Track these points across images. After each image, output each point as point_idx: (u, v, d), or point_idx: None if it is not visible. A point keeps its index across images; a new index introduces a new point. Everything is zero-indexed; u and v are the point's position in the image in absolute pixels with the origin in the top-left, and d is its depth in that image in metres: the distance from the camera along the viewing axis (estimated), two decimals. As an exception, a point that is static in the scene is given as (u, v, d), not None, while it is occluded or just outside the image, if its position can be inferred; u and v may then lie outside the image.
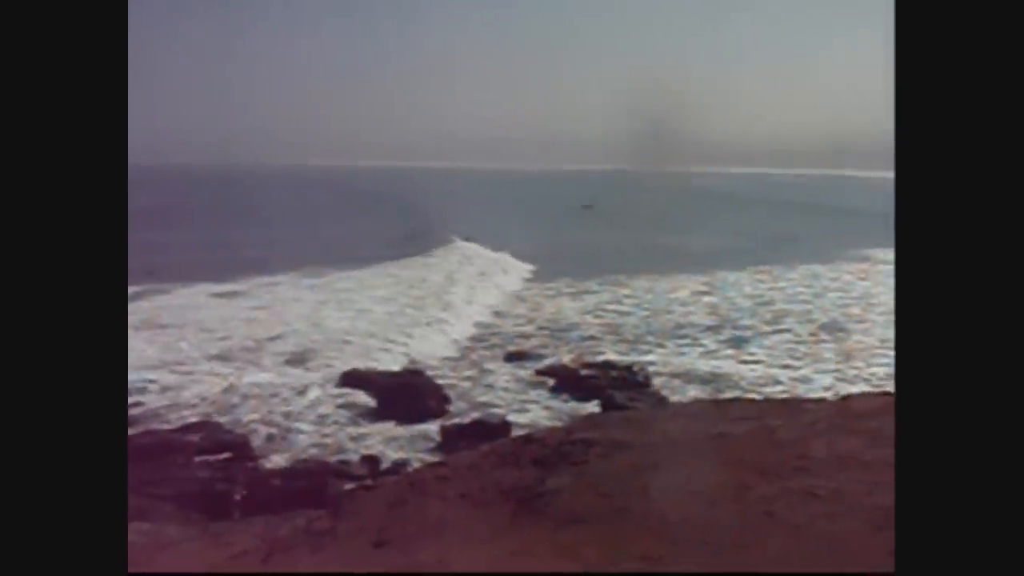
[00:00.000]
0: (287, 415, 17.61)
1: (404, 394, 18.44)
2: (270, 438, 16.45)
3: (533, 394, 19.56)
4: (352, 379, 19.74)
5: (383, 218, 71.97)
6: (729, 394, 19.05)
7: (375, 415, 17.88)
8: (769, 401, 12.22)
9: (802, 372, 21.59)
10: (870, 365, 21.98)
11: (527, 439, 7.98)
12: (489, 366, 21.89)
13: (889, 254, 48.02)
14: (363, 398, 18.61)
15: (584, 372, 20.51)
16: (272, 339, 24.01)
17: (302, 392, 19.03)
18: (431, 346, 23.43)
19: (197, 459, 14.68)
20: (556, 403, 18.89)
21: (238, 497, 13.07)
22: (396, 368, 20.89)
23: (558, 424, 13.75)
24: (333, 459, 15.40)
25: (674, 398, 18.68)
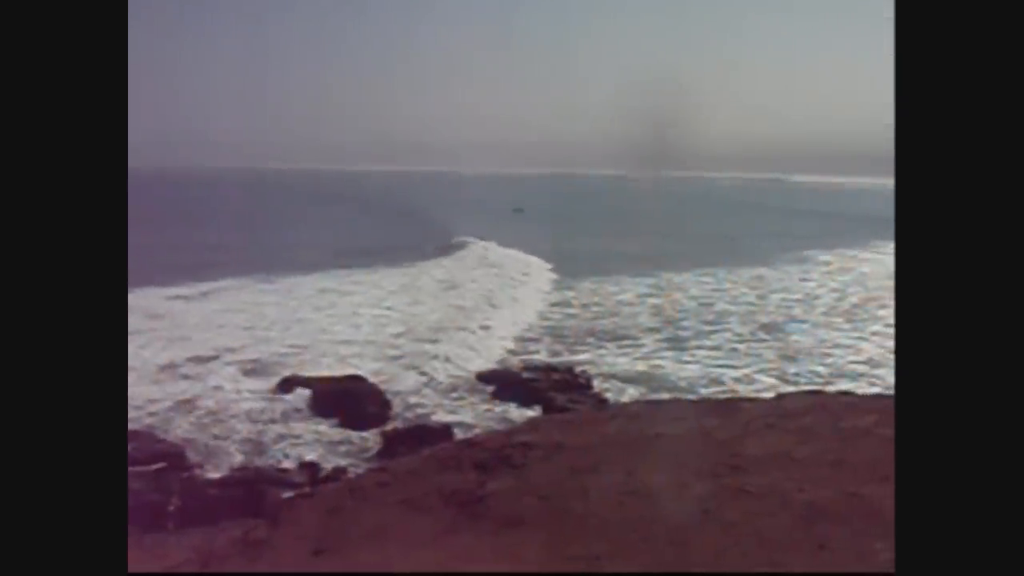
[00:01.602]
0: (224, 423, 17.26)
1: (344, 400, 18.24)
2: (206, 447, 16.10)
3: (474, 398, 19.53)
4: (291, 385, 19.44)
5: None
6: (668, 395, 19.36)
7: (315, 421, 17.64)
8: (706, 401, 12.46)
9: (743, 372, 21.99)
10: (812, 365, 22.51)
11: (468, 443, 7.99)
12: (428, 368, 21.77)
13: (826, 255, 49.44)
14: (303, 404, 18.35)
15: (526, 375, 20.57)
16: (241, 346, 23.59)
17: (239, 399, 18.67)
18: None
19: (129, 469, 14.29)
20: (497, 407, 18.91)
21: (172, 508, 12.76)
22: (338, 374, 20.64)
23: (499, 428, 13.79)
24: (271, 467, 15.14)
25: (614, 399, 18.89)
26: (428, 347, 23.45)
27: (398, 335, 25.25)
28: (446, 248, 48.49)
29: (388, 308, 29.73)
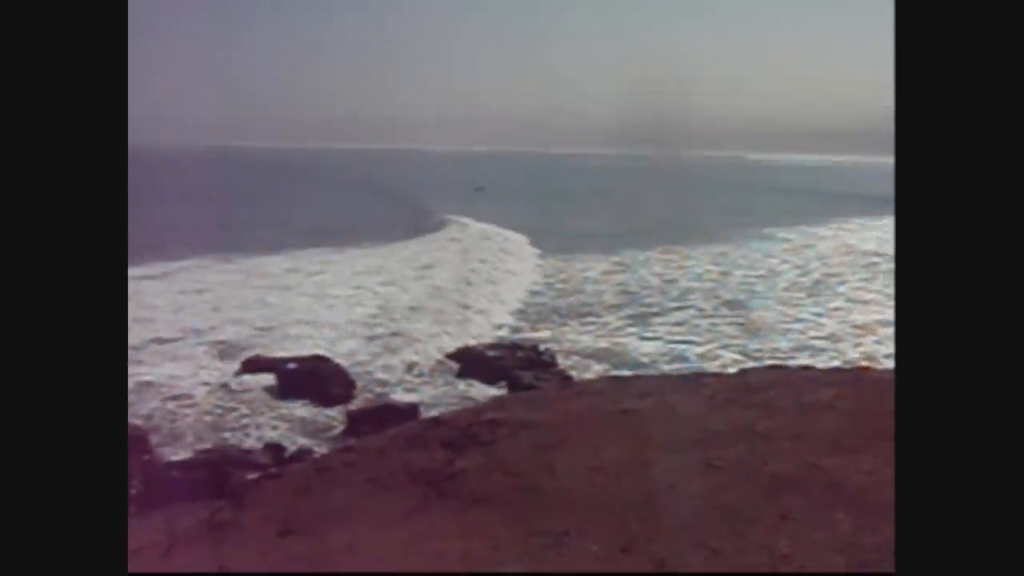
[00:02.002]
0: (188, 405, 17.07)
1: (309, 380, 18.12)
2: (170, 429, 15.92)
3: (440, 377, 19.53)
4: (255, 366, 19.26)
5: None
6: (631, 371, 19.53)
7: (279, 402, 17.51)
8: (670, 376, 12.60)
9: (706, 348, 22.23)
10: (773, 340, 22.83)
11: (435, 422, 7.99)
12: (395, 348, 21.70)
13: (790, 232, 50.06)
14: (267, 385, 18.21)
15: (491, 353, 20.60)
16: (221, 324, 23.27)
17: (202, 381, 18.47)
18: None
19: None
20: (462, 385, 18.93)
21: (134, 491, 12.61)
22: (304, 353, 20.47)
23: (465, 406, 13.82)
24: (235, 449, 15.02)
25: (579, 376, 19.01)
26: (397, 326, 23.36)
27: (368, 316, 25.08)
28: (421, 227, 48.20)
29: (358, 288, 29.49)
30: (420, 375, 19.69)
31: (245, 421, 16.56)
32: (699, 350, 22.01)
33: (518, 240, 43.04)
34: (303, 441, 15.54)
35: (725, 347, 22.22)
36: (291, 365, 18.95)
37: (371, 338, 22.49)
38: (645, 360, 21.09)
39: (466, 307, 26.60)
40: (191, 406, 16.99)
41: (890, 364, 18.38)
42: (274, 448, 14.98)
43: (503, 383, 18.60)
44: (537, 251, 39.09)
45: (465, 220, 51.73)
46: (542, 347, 21.44)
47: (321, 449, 14.36)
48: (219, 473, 13.30)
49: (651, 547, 5.04)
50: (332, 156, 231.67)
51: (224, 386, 18.20)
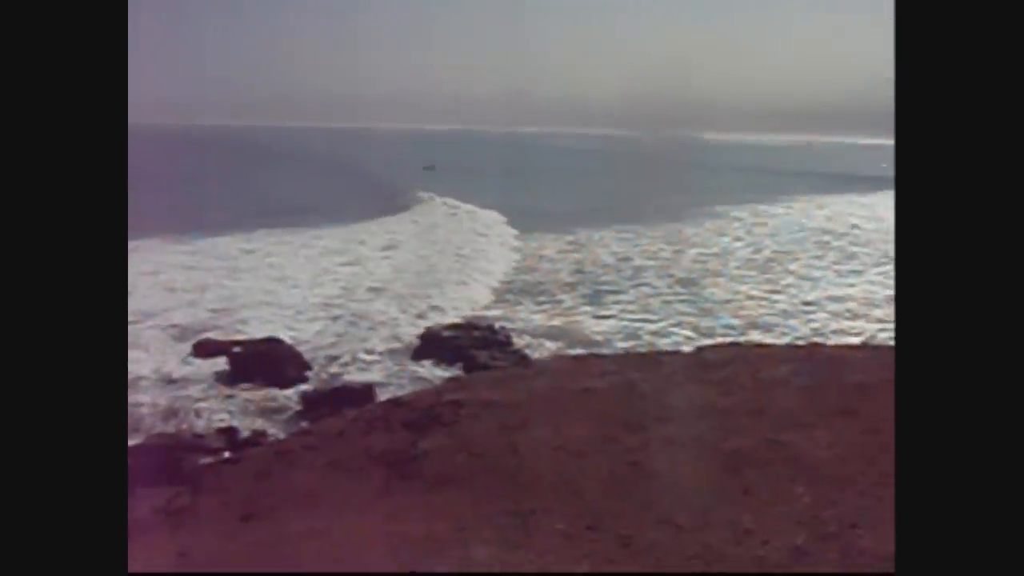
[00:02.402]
0: (137, 389, 16.68)
1: (261, 363, 17.86)
2: (118, 414, 15.54)
3: (396, 357, 19.40)
4: (206, 349, 18.92)
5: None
6: (587, 350, 19.64)
7: (232, 385, 17.24)
8: (629, 355, 12.68)
9: (659, 325, 22.44)
10: (726, 317, 23.11)
11: (396, 403, 7.93)
12: (351, 329, 21.49)
13: (742, 211, 50.67)
14: (219, 368, 17.90)
15: (446, 333, 20.52)
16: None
17: (153, 364, 18.07)
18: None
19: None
20: (419, 365, 18.84)
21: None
22: (259, 336, 20.16)
23: (422, 387, 13.75)
24: (186, 433, 14.74)
25: (535, 355, 19.05)
26: (356, 307, 23.14)
27: (328, 297, 24.78)
28: (382, 207, 47.65)
29: (321, 268, 29.07)
30: (375, 355, 19.54)
31: (197, 405, 16.26)
32: (652, 327, 22.20)
33: (487, 219, 42.79)
34: (257, 424, 15.32)
35: (678, 324, 22.45)
36: (241, 348, 18.66)
37: (329, 319, 22.26)
38: (599, 339, 21.21)
39: (426, 287, 26.43)
40: (142, 391, 16.62)
41: (839, 340, 18.81)
42: (228, 432, 14.73)
43: (459, 363, 18.55)
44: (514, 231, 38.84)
45: (428, 198, 51.35)
46: (497, 326, 21.43)
47: (276, 432, 14.18)
48: (172, 458, 13.03)
49: (616, 524, 5.08)
50: (287, 135, 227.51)
51: (175, 369, 17.84)
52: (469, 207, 48.53)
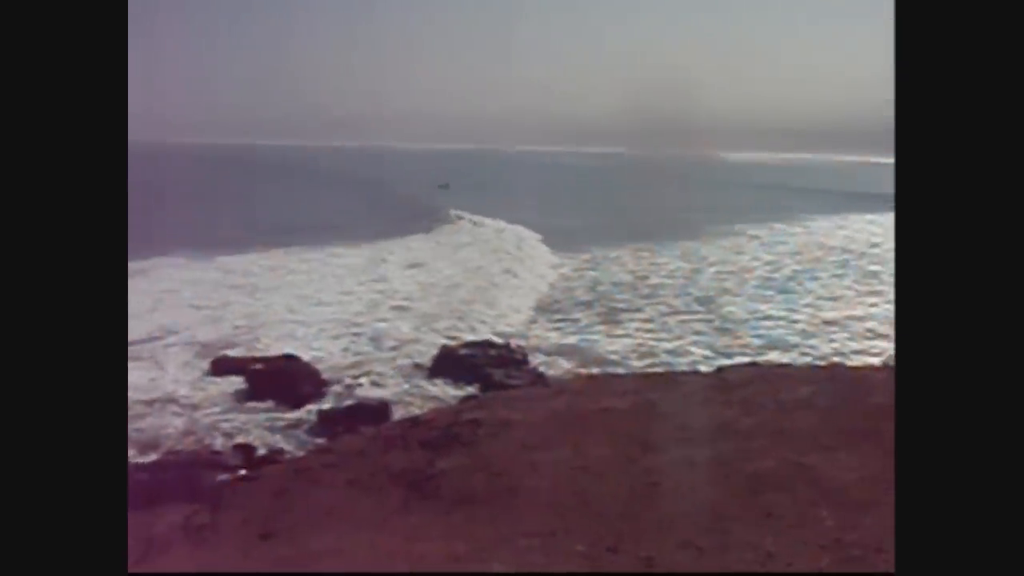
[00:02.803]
0: (155, 406, 16.77)
1: (278, 380, 17.89)
2: (138, 431, 15.61)
3: (413, 375, 19.39)
4: (224, 366, 18.99)
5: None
6: (608, 369, 19.57)
7: (249, 402, 17.28)
8: (648, 375, 12.63)
9: (676, 344, 22.29)
10: (745, 336, 22.94)
11: (414, 421, 7.94)
12: (360, 348, 21.52)
13: (759, 229, 50.47)
14: (237, 385, 17.95)
15: (463, 352, 20.50)
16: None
17: (170, 382, 18.17)
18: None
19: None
20: (435, 384, 18.81)
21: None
22: (277, 353, 20.22)
23: (439, 405, 13.75)
24: (205, 450, 14.77)
25: (551, 374, 18.99)
26: (380, 326, 23.19)
27: (351, 315, 24.85)
28: (409, 225, 47.78)
29: (346, 287, 29.12)
30: (391, 373, 19.54)
31: (214, 422, 16.30)
32: (668, 346, 22.06)
33: (517, 239, 42.78)
34: (274, 441, 15.33)
35: (695, 343, 22.30)
36: (259, 365, 18.72)
37: (350, 337, 22.31)
38: (615, 357, 21.11)
39: (451, 306, 26.43)
40: (160, 408, 16.70)
41: (859, 360, 18.64)
42: (245, 449, 14.74)
43: (476, 382, 18.52)
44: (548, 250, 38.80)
45: (453, 215, 51.51)
46: (514, 345, 21.38)
47: (293, 450, 14.18)
48: (189, 475, 13.06)
49: (638, 546, 5.04)
50: (299, 153, 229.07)
51: (193, 387, 17.92)
52: (498, 223, 48.47)
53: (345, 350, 21.21)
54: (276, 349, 20.54)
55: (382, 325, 23.50)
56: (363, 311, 25.47)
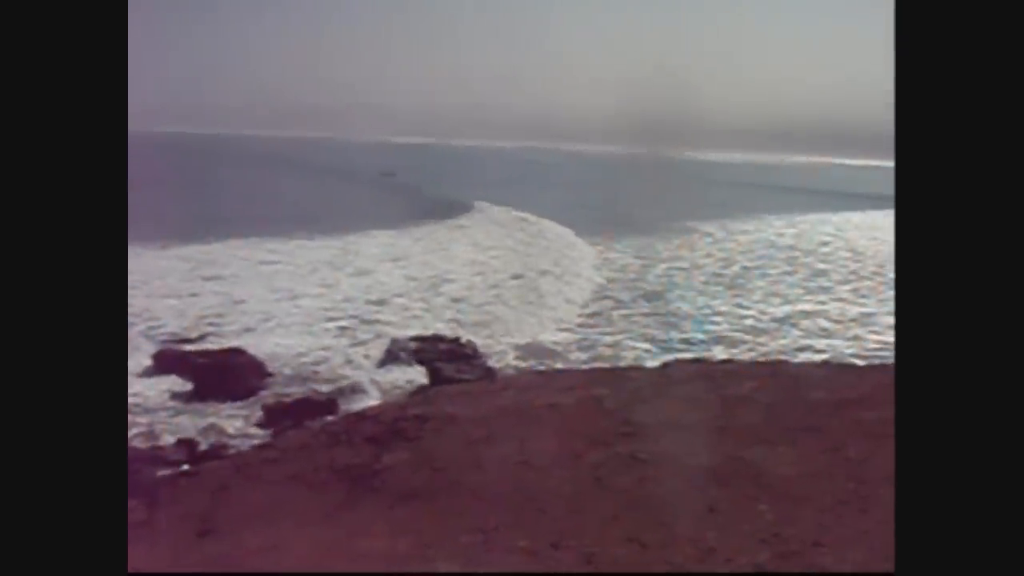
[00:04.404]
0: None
1: (224, 373, 17.59)
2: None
3: (362, 369, 19.23)
4: (167, 359, 18.60)
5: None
6: (539, 359, 19.70)
7: (191, 397, 16.96)
8: (595, 370, 12.68)
9: (617, 338, 22.43)
10: (692, 332, 23.20)
11: (360, 416, 7.84)
12: (320, 340, 21.29)
13: (712, 226, 51.06)
14: (177, 380, 17.59)
15: (413, 345, 20.40)
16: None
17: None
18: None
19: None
20: (384, 377, 18.69)
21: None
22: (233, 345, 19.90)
23: (388, 399, 13.66)
24: (145, 446, 14.44)
25: (501, 368, 19.02)
26: (328, 323, 22.95)
27: (306, 307, 24.53)
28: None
29: (317, 282, 28.71)
30: (341, 367, 19.35)
31: (154, 416, 15.96)
32: (610, 340, 22.20)
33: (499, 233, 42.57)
34: (216, 437, 15.05)
35: (641, 337, 22.49)
36: (202, 358, 18.39)
37: (301, 328, 22.09)
38: (558, 348, 21.20)
39: (401, 299, 26.24)
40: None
41: (804, 357, 19.02)
42: (187, 444, 14.46)
43: (425, 375, 18.46)
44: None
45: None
46: (464, 339, 21.34)
47: (237, 445, 13.95)
48: (128, 471, 12.76)
49: (580, 542, 5.05)
50: (258, 143, 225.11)
51: (137, 380, 17.51)
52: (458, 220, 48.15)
53: (299, 343, 21.00)
54: (233, 342, 20.25)
55: (337, 316, 23.34)
56: (321, 303, 25.24)
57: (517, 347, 21.42)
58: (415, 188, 75.21)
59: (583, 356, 20.32)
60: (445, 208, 52.08)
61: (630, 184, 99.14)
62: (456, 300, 26.15)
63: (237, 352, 19.20)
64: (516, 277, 30.20)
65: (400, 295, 26.55)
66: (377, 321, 23.13)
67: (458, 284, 28.75)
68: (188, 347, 19.86)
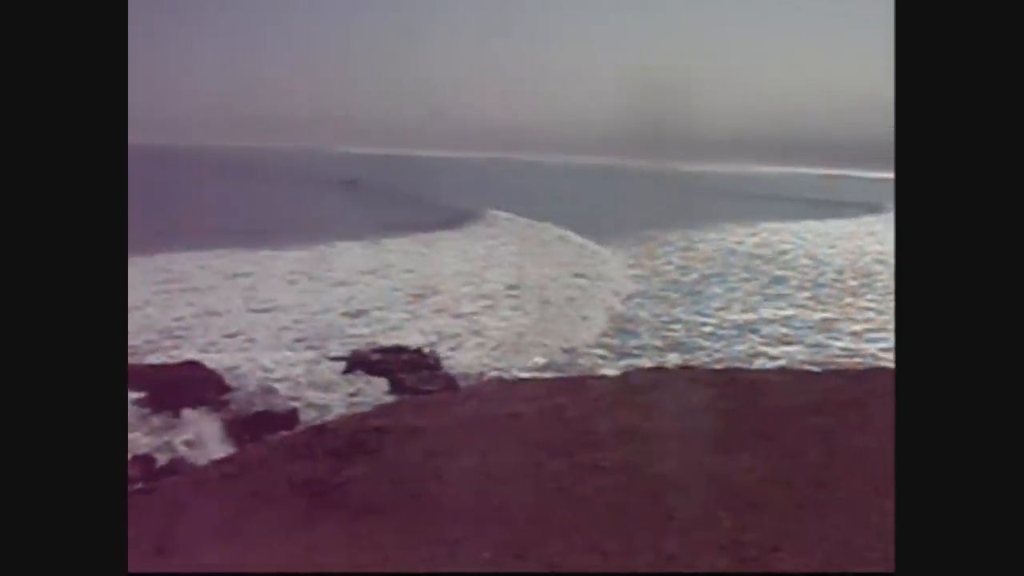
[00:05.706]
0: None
1: (181, 387, 17.28)
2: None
3: (323, 380, 19.05)
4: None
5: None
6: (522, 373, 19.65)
7: (148, 411, 16.63)
8: (556, 379, 12.73)
9: (577, 344, 22.45)
10: (649, 338, 23.31)
11: (320, 429, 7.77)
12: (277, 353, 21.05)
13: (672, 235, 51.35)
14: (136, 393, 17.24)
15: (375, 356, 20.26)
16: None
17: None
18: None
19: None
20: (346, 388, 18.52)
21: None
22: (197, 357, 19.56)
23: (350, 412, 13.54)
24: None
25: (462, 378, 18.96)
26: (286, 333, 22.68)
27: (274, 319, 24.21)
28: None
29: (293, 290, 28.28)
30: (301, 379, 19.14)
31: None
32: (567, 346, 22.22)
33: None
34: (175, 452, 14.78)
35: (599, 344, 22.55)
36: (159, 372, 18.06)
37: (270, 341, 21.82)
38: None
39: (378, 310, 26.01)
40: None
41: (760, 364, 19.24)
42: (143, 460, 14.19)
43: (387, 386, 18.33)
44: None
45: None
46: (426, 350, 21.25)
47: (195, 459, 13.72)
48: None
49: (543, 551, 5.06)
50: (232, 153, 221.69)
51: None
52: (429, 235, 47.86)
53: (261, 356, 20.73)
54: (193, 355, 19.92)
55: (301, 327, 23.09)
56: (287, 316, 24.94)
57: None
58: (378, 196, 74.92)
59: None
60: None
61: (595, 194, 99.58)
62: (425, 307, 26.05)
63: (194, 365, 18.91)
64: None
65: (378, 306, 26.40)
66: (345, 334, 22.94)
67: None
68: (147, 360, 19.50)
